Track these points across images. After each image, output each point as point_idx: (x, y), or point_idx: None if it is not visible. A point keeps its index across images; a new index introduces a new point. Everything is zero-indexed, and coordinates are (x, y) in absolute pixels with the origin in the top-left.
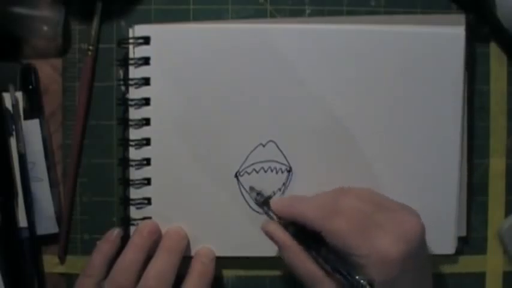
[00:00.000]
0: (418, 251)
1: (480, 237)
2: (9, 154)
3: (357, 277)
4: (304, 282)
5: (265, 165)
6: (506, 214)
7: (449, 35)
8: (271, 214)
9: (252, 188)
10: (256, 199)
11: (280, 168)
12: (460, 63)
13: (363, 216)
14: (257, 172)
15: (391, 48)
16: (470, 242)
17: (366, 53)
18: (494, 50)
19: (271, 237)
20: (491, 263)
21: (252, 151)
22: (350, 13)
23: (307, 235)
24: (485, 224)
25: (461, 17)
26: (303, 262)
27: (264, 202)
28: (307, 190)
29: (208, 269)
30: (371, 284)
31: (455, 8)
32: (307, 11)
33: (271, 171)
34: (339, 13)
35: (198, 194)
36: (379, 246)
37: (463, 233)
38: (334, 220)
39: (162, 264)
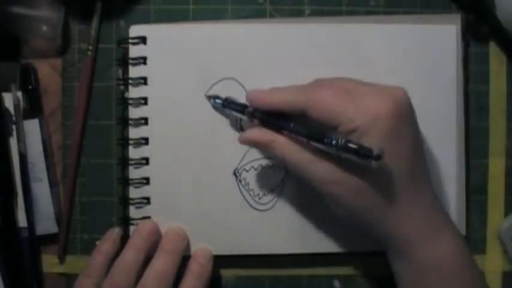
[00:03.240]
0: (408, 116)
1: (479, 237)
2: (9, 154)
3: (367, 147)
4: (301, 174)
5: (263, 162)
6: (506, 214)
7: (444, 33)
8: (235, 113)
9: (208, 96)
10: (215, 103)
11: (279, 165)
12: (454, 62)
13: (344, 87)
14: (255, 169)
15: (387, 46)
16: (470, 241)
17: (364, 51)
18: (494, 50)
19: (257, 142)
20: (491, 263)
21: (249, 148)
22: (349, 13)
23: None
24: (484, 224)
25: (457, 17)
26: (297, 152)
27: (225, 104)
28: (305, 187)
29: (205, 270)
30: (381, 152)
31: (455, 8)
32: (307, 11)
33: (270, 168)
34: (338, 13)
35: (197, 192)
36: (367, 104)
37: (463, 233)
38: (316, 93)
39: (162, 265)
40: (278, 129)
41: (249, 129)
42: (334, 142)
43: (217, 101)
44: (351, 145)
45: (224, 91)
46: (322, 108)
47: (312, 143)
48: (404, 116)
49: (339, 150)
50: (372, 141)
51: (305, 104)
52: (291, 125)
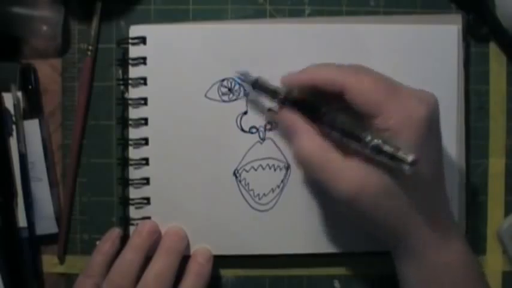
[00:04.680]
0: (437, 124)
1: (479, 237)
2: (9, 154)
3: (402, 153)
4: (319, 174)
5: (264, 163)
6: (506, 214)
7: (444, 33)
8: (265, 96)
9: (238, 72)
10: (245, 79)
11: (279, 166)
12: (454, 62)
13: (387, 81)
14: (255, 170)
15: (387, 46)
16: (470, 241)
17: (364, 52)
18: (494, 50)
19: (289, 126)
20: (491, 263)
21: (250, 149)
22: (349, 13)
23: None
24: (484, 224)
25: (458, 17)
26: (321, 147)
27: (256, 84)
28: (305, 187)
29: (204, 269)
30: (416, 158)
31: (455, 8)
32: (307, 11)
33: (270, 168)
34: (338, 13)
35: (196, 192)
36: (406, 105)
37: (463, 233)
38: (359, 77)
39: (162, 265)
40: (311, 120)
41: (285, 110)
42: (371, 143)
43: (248, 79)
44: (386, 148)
45: (224, 91)
46: (365, 93)
47: (346, 139)
48: (435, 123)
49: (373, 151)
50: (404, 142)
51: (346, 84)
52: (325, 116)
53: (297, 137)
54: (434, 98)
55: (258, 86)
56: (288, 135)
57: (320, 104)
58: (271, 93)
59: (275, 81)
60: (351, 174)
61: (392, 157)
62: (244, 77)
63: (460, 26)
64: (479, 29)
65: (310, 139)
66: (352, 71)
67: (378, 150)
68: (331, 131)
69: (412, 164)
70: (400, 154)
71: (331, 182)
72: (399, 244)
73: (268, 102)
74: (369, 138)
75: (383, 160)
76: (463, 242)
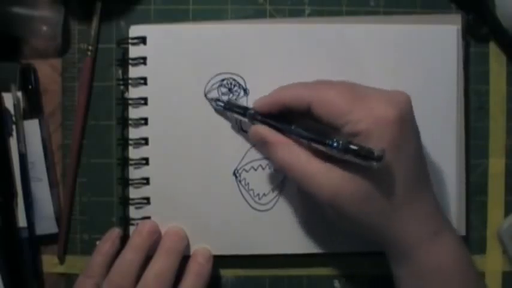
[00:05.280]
0: (411, 123)
1: (479, 237)
2: (9, 154)
3: (368, 147)
4: (299, 181)
5: (263, 163)
6: (506, 214)
7: (444, 33)
8: (237, 115)
9: (210, 99)
10: (216, 105)
11: None
12: (454, 62)
13: (352, 89)
14: (255, 169)
15: (387, 47)
16: (470, 241)
17: (364, 52)
18: (494, 50)
19: (263, 138)
20: (491, 263)
21: (249, 148)
22: (349, 13)
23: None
24: (484, 224)
25: (458, 17)
26: (298, 156)
27: (226, 106)
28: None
29: (204, 269)
30: (382, 153)
31: (455, 8)
32: (307, 11)
33: (270, 168)
34: (338, 13)
35: (196, 192)
36: (374, 109)
37: (463, 233)
38: (324, 90)
39: (162, 265)
40: (280, 132)
41: (257, 126)
42: (335, 144)
43: (219, 103)
44: (352, 146)
45: (224, 91)
46: (329, 104)
47: (314, 144)
48: (408, 122)
49: (340, 152)
50: (376, 145)
51: (312, 98)
52: (292, 127)
53: (272, 149)
54: (405, 97)
55: (229, 107)
56: (263, 148)
57: (287, 118)
58: (242, 111)
59: (275, 81)
60: (327, 178)
61: (359, 154)
62: (215, 104)
63: (460, 26)
64: (479, 29)
65: (285, 149)
66: (317, 86)
67: (344, 149)
68: (299, 139)
69: (378, 159)
70: (365, 150)
71: (311, 187)
72: (390, 248)
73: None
74: (335, 140)
75: (351, 159)
76: (457, 244)
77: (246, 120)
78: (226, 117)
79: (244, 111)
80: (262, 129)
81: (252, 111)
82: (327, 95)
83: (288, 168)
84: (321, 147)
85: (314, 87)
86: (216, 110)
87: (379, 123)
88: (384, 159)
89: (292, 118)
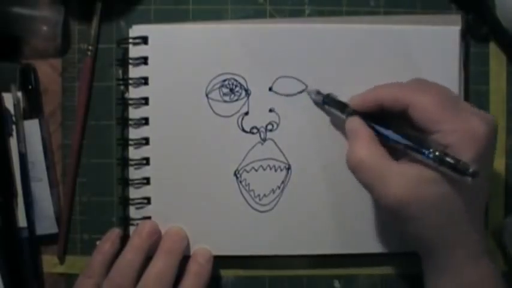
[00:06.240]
0: (494, 142)
1: None
2: (9, 154)
3: (464, 162)
4: (368, 180)
5: (264, 163)
6: (506, 214)
7: (444, 34)
8: (334, 110)
9: (309, 91)
10: (316, 97)
11: (279, 166)
12: (454, 62)
13: (448, 98)
14: (256, 170)
15: (387, 47)
16: None
17: (364, 52)
18: (494, 50)
19: (355, 133)
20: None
21: (250, 149)
22: (349, 13)
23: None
24: (484, 224)
25: (458, 17)
26: (376, 154)
27: (326, 100)
28: (306, 188)
29: (204, 270)
30: (476, 172)
31: (454, 8)
32: (307, 11)
33: (270, 169)
34: (338, 13)
35: (197, 192)
36: (467, 122)
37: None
38: (421, 94)
39: (162, 266)
40: (376, 134)
41: (353, 118)
42: (431, 154)
43: (318, 96)
44: (448, 159)
45: (226, 92)
46: (423, 111)
47: (409, 151)
48: (494, 141)
49: (436, 162)
50: (463, 158)
51: (409, 101)
52: (391, 130)
53: (355, 141)
54: (493, 118)
55: (328, 102)
56: (348, 138)
57: (384, 117)
58: (341, 106)
59: (275, 81)
60: (401, 180)
61: (454, 168)
62: (314, 96)
63: (460, 26)
64: (479, 29)
65: (366, 144)
66: (414, 88)
67: (440, 160)
68: (396, 144)
69: (474, 175)
70: (462, 164)
71: (380, 186)
72: (432, 257)
73: (270, 104)
74: (431, 150)
75: (444, 171)
76: (490, 258)
77: (343, 116)
78: (227, 117)
79: (342, 107)
80: (357, 121)
81: (351, 110)
82: (421, 101)
83: (359, 163)
84: (416, 155)
85: (410, 89)
86: (315, 103)
87: (471, 138)
88: (478, 176)
89: (385, 116)
